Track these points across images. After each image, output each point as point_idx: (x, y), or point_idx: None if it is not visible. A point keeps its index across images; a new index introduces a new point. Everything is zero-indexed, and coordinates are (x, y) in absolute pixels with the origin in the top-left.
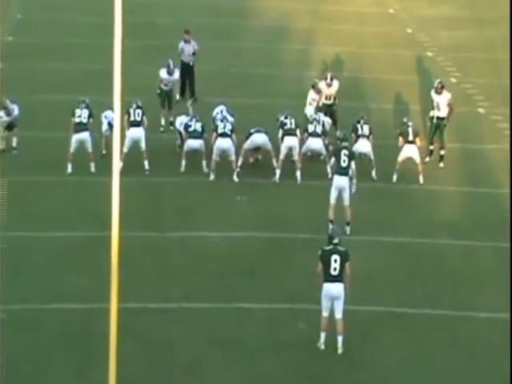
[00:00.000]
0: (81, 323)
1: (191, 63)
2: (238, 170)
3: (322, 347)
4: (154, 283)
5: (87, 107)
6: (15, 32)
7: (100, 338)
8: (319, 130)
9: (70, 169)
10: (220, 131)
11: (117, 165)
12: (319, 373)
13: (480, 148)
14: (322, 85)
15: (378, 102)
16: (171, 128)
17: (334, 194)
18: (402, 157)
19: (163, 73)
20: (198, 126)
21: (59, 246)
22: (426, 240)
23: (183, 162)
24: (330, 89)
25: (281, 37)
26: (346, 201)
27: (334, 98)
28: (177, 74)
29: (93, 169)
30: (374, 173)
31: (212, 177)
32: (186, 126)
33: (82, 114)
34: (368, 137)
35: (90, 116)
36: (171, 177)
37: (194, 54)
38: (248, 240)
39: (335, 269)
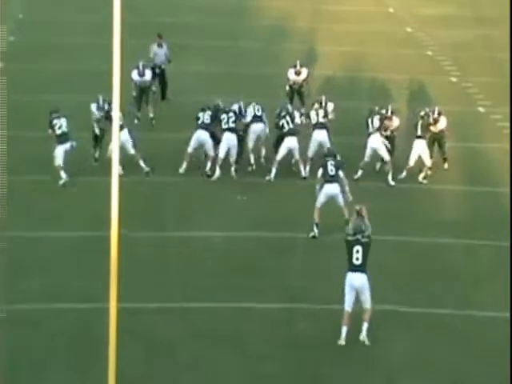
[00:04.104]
0: (81, 323)
1: (163, 66)
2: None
3: (343, 343)
4: (155, 282)
5: (64, 116)
6: (17, 32)
7: (100, 337)
8: (323, 119)
9: (64, 176)
10: (225, 126)
11: (116, 164)
12: (320, 371)
13: (480, 147)
14: (290, 72)
15: (378, 101)
16: (153, 123)
17: (321, 200)
18: (414, 153)
19: (134, 74)
20: (206, 117)
21: (59, 246)
22: (427, 239)
23: (184, 164)
24: (298, 77)
25: (281, 36)
26: (341, 203)
27: (302, 85)
28: (148, 75)
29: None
30: (389, 177)
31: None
32: (197, 118)
33: (62, 124)
34: (379, 130)
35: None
36: (171, 176)
37: (166, 57)
38: (248, 239)
39: (357, 258)
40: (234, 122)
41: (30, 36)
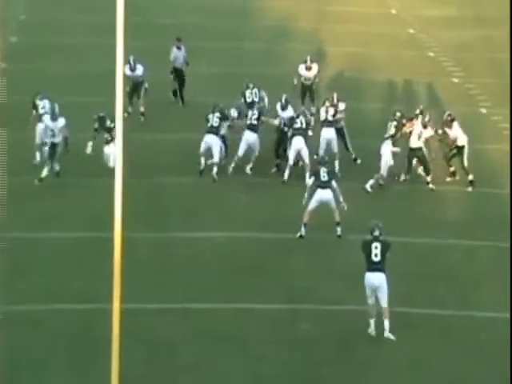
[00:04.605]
0: (81, 323)
1: (183, 69)
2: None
3: (373, 333)
4: (156, 283)
5: (47, 98)
6: (19, 33)
7: (102, 338)
8: (331, 118)
9: (38, 157)
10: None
11: (120, 165)
12: (321, 372)
13: (482, 148)
14: (301, 68)
15: (380, 103)
16: (141, 119)
17: (313, 205)
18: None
19: (126, 69)
20: (215, 121)
21: (62, 246)
22: (427, 239)
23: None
24: (309, 72)
25: (284, 37)
26: (333, 206)
27: (313, 81)
28: (140, 70)
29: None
30: (370, 184)
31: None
32: (206, 120)
33: (45, 105)
34: (393, 137)
35: (51, 104)
36: (175, 177)
37: (184, 60)
38: (251, 240)
39: (376, 255)
40: (257, 119)
41: (32, 37)
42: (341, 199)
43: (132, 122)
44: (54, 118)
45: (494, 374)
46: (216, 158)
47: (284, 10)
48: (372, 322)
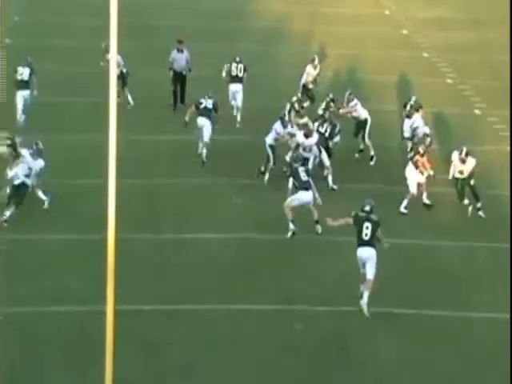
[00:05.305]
0: (78, 325)
1: (184, 72)
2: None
3: (365, 306)
4: (151, 285)
5: (29, 67)
6: (13, 34)
7: (97, 339)
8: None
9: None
10: None
11: (113, 166)
12: (317, 373)
13: (476, 149)
14: (309, 67)
15: (375, 104)
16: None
17: (294, 203)
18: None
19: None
20: (209, 103)
21: (56, 249)
22: (423, 241)
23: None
24: (315, 70)
25: (278, 39)
26: (311, 206)
27: (315, 80)
28: (119, 58)
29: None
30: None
31: None
32: (198, 103)
33: (23, 72)
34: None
35: (31, 74)
36: (167, 178)
37: (186, 63)
38: (245, 241)
39: (366, 234)
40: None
41: (26, 38)
42: (316, 195)
43: (124, 122)
44: (35, 156)
45: (491, 375)
46: (206, 138)
47: (278, 12)
48: (363, 288)
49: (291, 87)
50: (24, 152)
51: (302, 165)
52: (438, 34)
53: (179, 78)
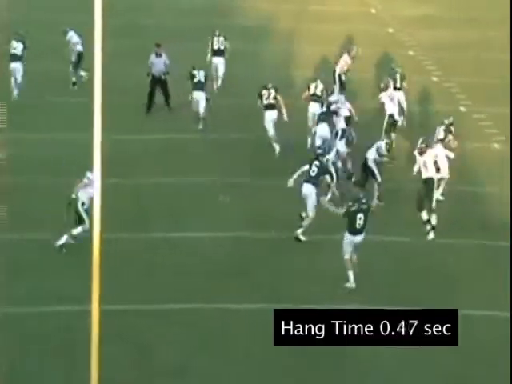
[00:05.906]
0: (64, 325)
1: (163, 77)
2: None
3: (354, 286)
4: (142, 284)
5: (22, 41)
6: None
7: (85, 339)
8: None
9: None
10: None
11: (98, 166)
12: (309, 374)
13: (463, 146)
14: (345, 57)
15: (360, 102)
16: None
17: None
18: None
19: (78, 46)
20: (201, 75)
21: (42, 249)
22: (417, 239)
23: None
24: (350, 61)
25: (264, 37)
26: (308, 204)
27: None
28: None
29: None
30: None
31: None
32: (191, 76)
33: (17, 47)
34: (442, 141)
35: (23, 48)
36: (158, 177)
37: (165, 67)
38: (236, 240)
39: (359, 224)
40: (275, 98)
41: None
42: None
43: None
44: None
45: (490, 373)
46: (201, 110)
47: (263, 10)
48: (351, 274)
49: (277, 85)
50: None
51: (319, 160)
52: (424, 32)
53: (158, 83)
